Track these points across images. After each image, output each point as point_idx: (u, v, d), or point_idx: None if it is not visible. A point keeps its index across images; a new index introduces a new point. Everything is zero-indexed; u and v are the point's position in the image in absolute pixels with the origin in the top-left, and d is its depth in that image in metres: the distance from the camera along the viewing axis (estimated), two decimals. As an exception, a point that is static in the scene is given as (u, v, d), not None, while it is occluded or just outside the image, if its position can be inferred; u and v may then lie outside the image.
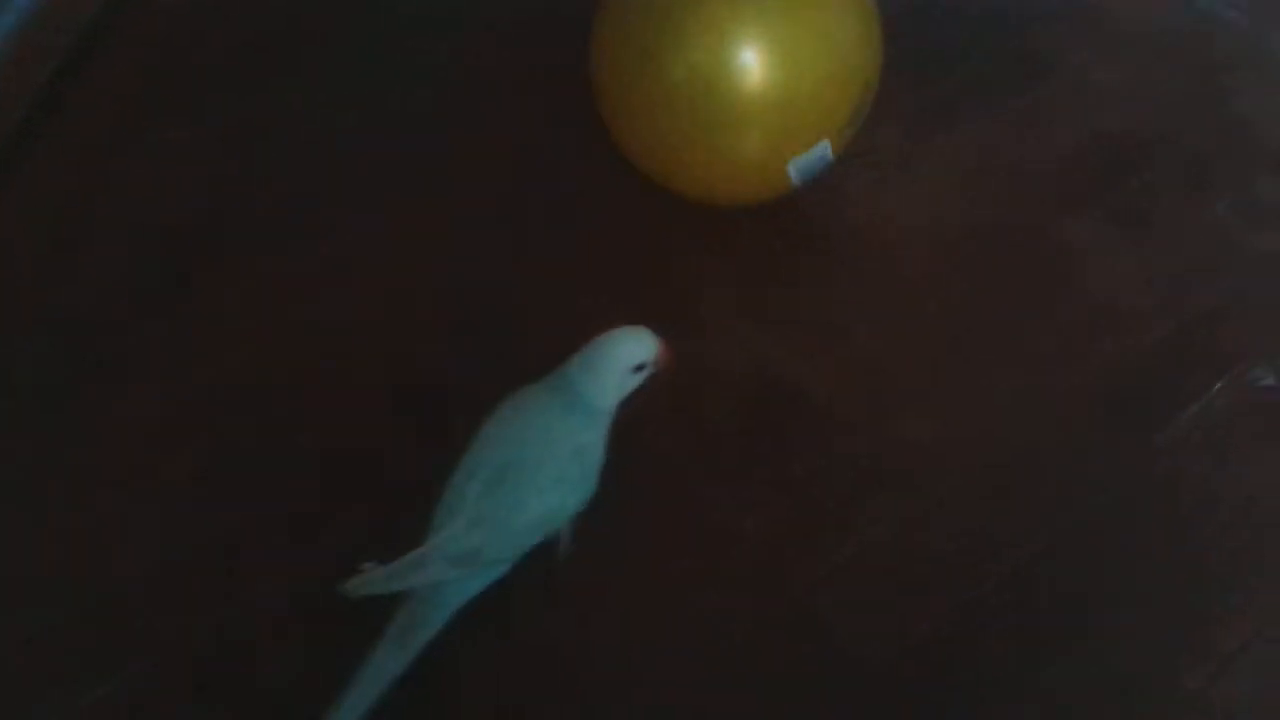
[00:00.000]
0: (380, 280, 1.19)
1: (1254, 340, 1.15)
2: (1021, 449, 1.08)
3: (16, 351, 1.14)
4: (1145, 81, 1.40)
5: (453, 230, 1.24)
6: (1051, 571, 1.00)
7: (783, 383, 1.12)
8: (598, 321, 0.92)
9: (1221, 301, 1.19)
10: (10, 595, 0.98)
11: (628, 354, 0.91)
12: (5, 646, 0.94)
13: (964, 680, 0.94)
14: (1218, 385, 1.11)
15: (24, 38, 1.36)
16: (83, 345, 1.14)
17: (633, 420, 0.94)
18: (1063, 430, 1.09)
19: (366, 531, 0.97)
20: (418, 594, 0.89)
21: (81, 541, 1.01)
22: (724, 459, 1.07)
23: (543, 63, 1.37)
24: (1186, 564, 1.01)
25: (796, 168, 1.17)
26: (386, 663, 0.87)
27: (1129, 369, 1.14)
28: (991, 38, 1.45)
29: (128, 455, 1.06)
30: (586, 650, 0.95)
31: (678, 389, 0.96)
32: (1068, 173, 1.31)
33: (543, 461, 0.90)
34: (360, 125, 1.34)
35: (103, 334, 1.15)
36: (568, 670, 0.94)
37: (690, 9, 1.08)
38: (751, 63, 1.08)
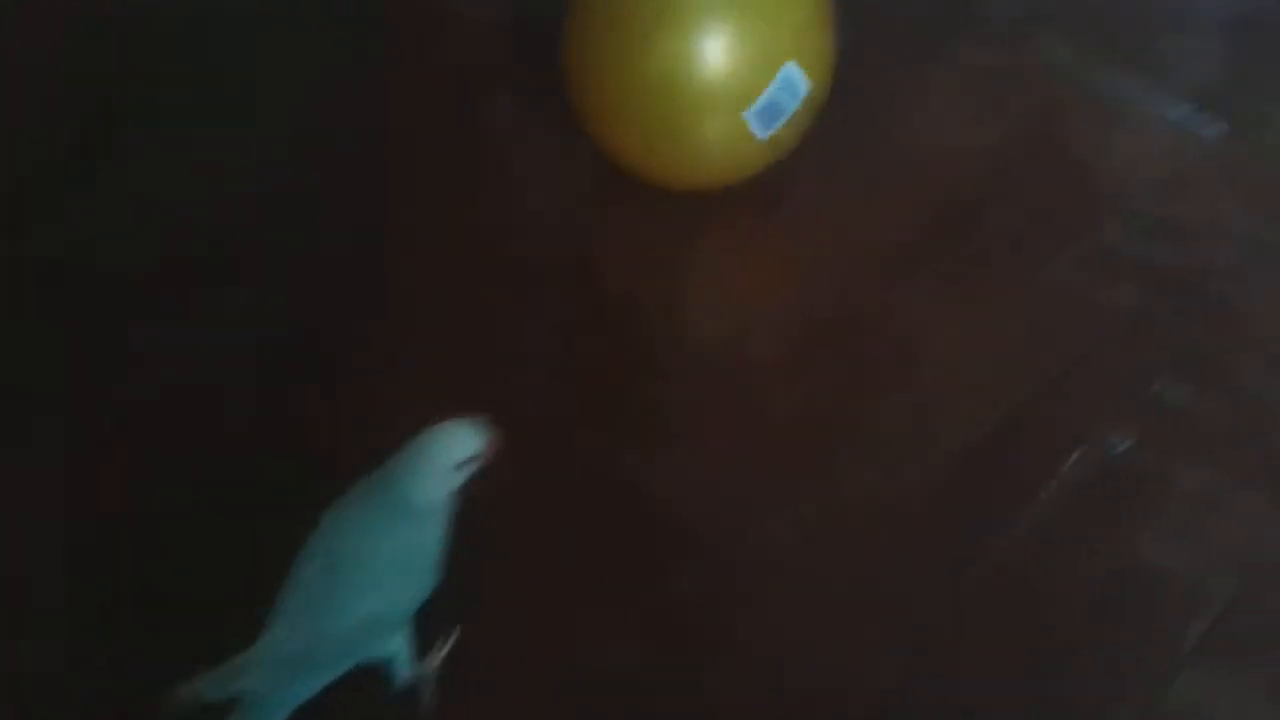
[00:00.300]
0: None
1: (1107, 404, 1.14)
2: (878, 553, 1.05)
3: None
4: (977, 134, 1.39)
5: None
6: (922, 686, 0.98)
7: (634, 491, 1.09)
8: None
9: (1072, 365, 1.18)
10: None
11: (450, 450, 0.87)
12: None
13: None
14: (1074, 457, 1.11)
15: None
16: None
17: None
18: (916, 526, 1.07)
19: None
20: (253, 698, 0.85)
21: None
22: (582, 572, 1.03)
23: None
24: (1056, 652, 1.00)
25: (756, 116, 1.15)
26: None
27: (979, 451, 1.11)
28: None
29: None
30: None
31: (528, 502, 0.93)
32: (905, 241, 1.28)
33: (364, 564, 0.86)
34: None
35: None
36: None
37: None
38: (715, 50, 1.13)
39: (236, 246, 1.25)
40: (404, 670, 0.92)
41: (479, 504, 0.89)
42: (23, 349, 1.18)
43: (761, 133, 1.18)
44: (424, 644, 0.94)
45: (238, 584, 0.89)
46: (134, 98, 1.39)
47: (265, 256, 1.25)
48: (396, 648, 0.91)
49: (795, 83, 1.17)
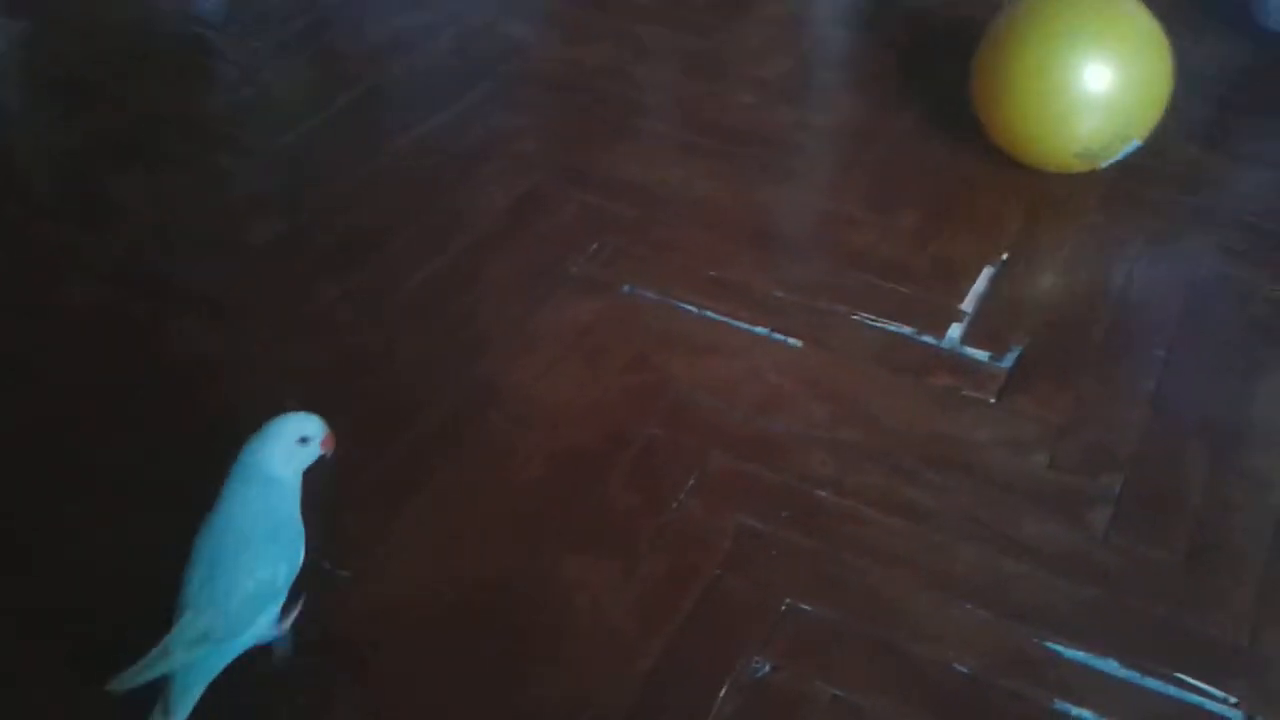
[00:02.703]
0: None
1: (743, 630, 1.17)
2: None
3: None
4: (586, 389, 1.44)
5: None
6: None
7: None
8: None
9: (702, 597, 1.20)
10: None
11: (292, 427, 1.10)
12: None
13: None
14: (723, 691, 1.12)
15: None
16: None
17: None
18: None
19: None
20: (175, 676, 1.02)
21: None
22: None
23: None
24: None
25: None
26: None
27: (636, 710, 1.10)
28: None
29: None
30: None
31: None
32: (535, 505, 1.29)
33: (244, 546, 1.05)
34: None
35: None
36: None
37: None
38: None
39: None
40: (268, 634, 1.10)
41: None
42: None
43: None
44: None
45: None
46: None
47: None
48: (269, 618, 1.09)
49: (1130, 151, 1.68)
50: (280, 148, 1.87)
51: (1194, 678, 1.13)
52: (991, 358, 1.47)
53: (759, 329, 1.52)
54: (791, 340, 1.50)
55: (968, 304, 1.55)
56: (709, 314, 1.53)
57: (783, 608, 1.19)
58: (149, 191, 1.77)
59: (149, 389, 1.43)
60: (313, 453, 1.11)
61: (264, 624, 1.08)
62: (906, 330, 1.51)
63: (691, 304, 1.55)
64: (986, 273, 1.60)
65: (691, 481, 1.32)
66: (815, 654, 1.15)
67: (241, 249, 1.66)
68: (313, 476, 1.13)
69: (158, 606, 1.04)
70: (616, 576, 1.22)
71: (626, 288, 1.58)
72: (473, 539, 1.27)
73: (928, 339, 1.50)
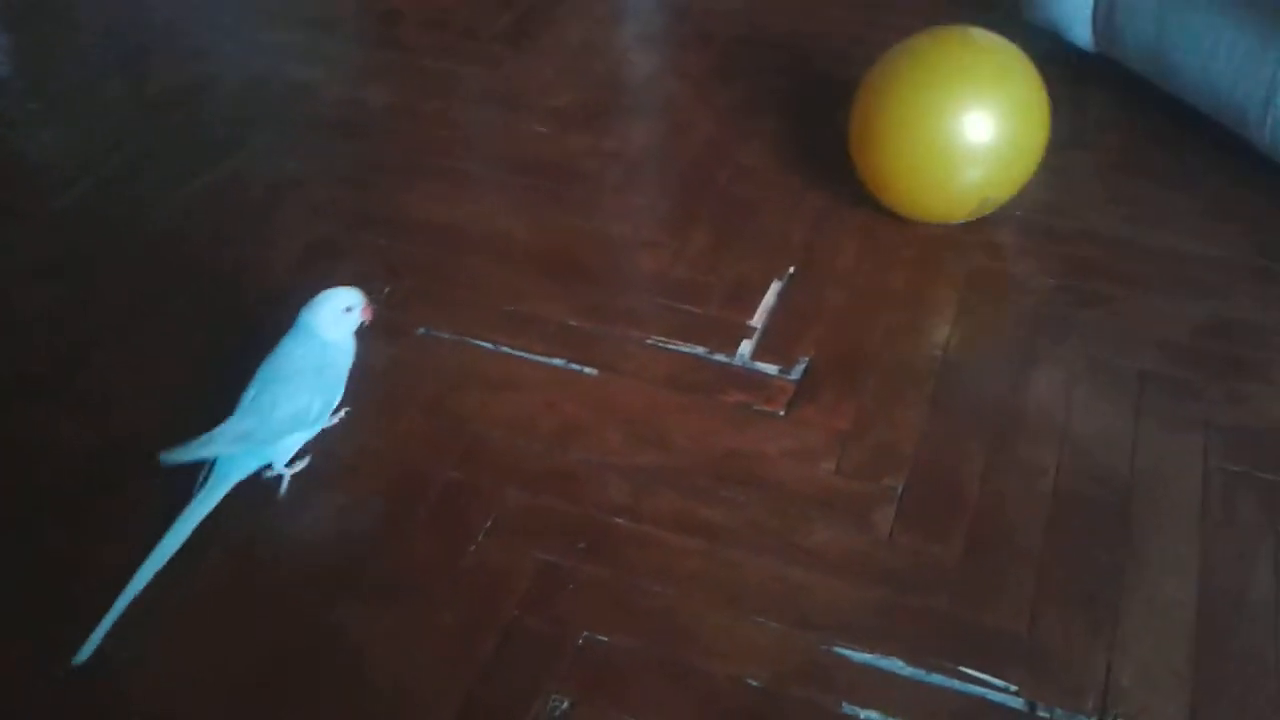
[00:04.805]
0: None
1: (542, 668, 1.17)
2: None
3: None
4: (387, 435, 1.44)
5: None
6: None
7: None
8: None
9: (502, 639, 1.20)
10: None
11: (340, 297, 1.37)
12: None
13: None
14: (524, 731, 1.13)
15: None
16: None
17: None
18: None
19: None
20: (216, 464, 1.30)
21: None
22: None
23: None
24: None
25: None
26: (192, 510, 1.26)
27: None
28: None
29: None
30: None
31: None
32: (335, 562, 1.29)
33: (292, 377, 1.33)
34: None
35: None
36: None
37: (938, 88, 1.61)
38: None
39: None
40: (282, 463, 1.36)
41: None
42: None
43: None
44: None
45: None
46: None
47: None
48: (294, 444, 1.36)
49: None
50: (58, 211, 1.81)
51: (976, 669, 1.18)
52: (781, 371, 1.51)
53: (555, 360, 1.53)
54: (587, 369, 1.52)
55: (757, 319, 1.59)
56: (505, 349, 1.54)
57: (580, 641, 1.20)
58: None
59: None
60: (355, 319, 1.39)
61: (290, 444, 1.35)
62: (699, 350, 1.54)
63: (487, 341, 1.55)
64: (774, 287, 1.64)
65: (489, 522, 1.32)
66: (612, 685, 1.17)
67: (16, 315, 1.61)
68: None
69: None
70: (414, 629, 1.22)
71: (421, 330, 1.57)
72: (265, 604, 1.25)
73: (720, 357, 1.53)
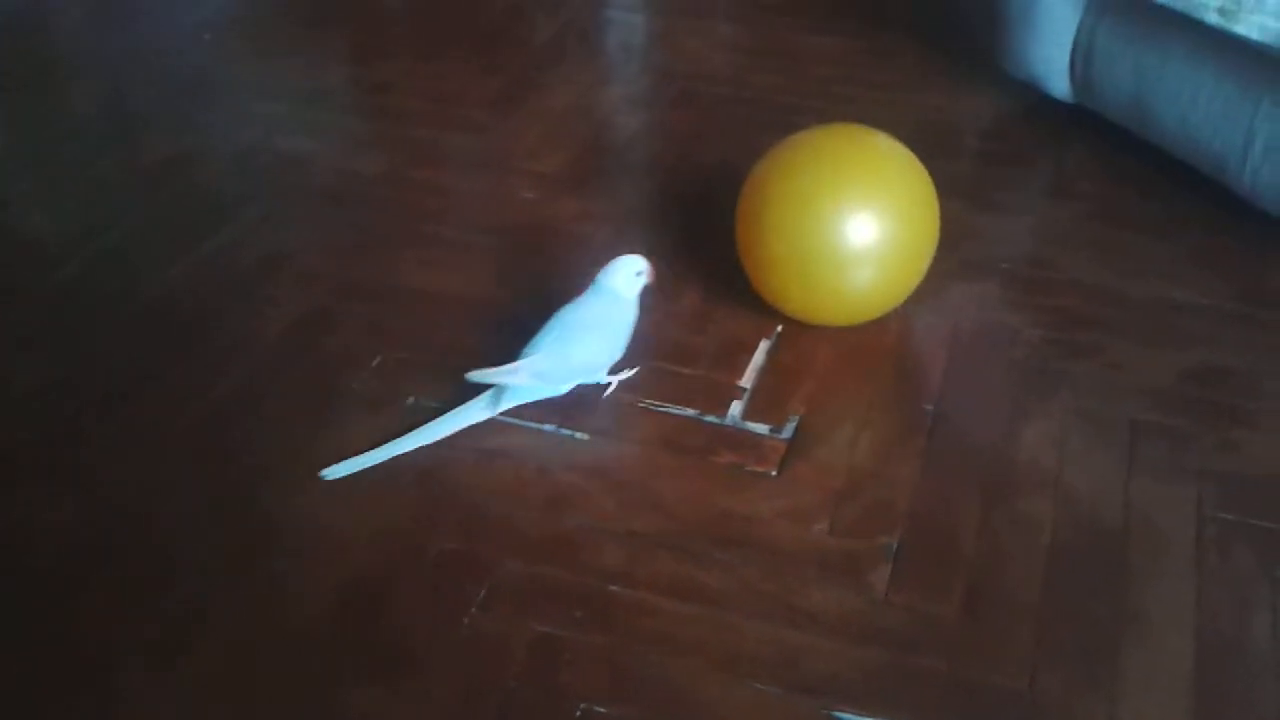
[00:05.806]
0: None
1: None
2: None
3: None
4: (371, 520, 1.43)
5: None
6: None
7: None
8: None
9: (496, 710, 1.19)
10: None
11: (632, 262, 1.58)
12: None
13: None
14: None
15: None
16: None
17: None
18: None
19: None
20: (510, 390, 1.52)
21: None
22: None
23: None
24: None
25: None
26: (472, 411, 1.53)
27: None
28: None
29: None
30: None
31: None
32: (320, 632, 1.27)
33: (589, 328, 1.54)
34: None
35: None
36: None
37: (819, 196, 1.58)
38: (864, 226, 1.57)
39: None
40: (604, 379, 1.59)
41: None
42: None
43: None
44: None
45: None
46: None
47: None
48: (601, 378, 1.58)
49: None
50: (50, 286, 1.82)
51: (976, 728, 1.17)
52: (772, 430, 1.51)
53: (546, 426, 1.53)
54: (579, 434, 1.52)
55: (746, 379, 1.59)
56: (496, 417, 1.54)
57: (578, 713, 1.19)
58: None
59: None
60: (643, 281, 1.58)
61: (578, 381, 1.56)
62: (690, 412, 1.54)
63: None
64: (763, 346, 1.65)
65: (483, 593, 1.31)
66: (612, 756, 1.16)
67: (10, 390, 1.62)
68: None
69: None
70: (409, 706, 1.21)
71: (410, 399, 1.57)
72: (263, 687, 1.23)
73: (711, 419, 1.53)
